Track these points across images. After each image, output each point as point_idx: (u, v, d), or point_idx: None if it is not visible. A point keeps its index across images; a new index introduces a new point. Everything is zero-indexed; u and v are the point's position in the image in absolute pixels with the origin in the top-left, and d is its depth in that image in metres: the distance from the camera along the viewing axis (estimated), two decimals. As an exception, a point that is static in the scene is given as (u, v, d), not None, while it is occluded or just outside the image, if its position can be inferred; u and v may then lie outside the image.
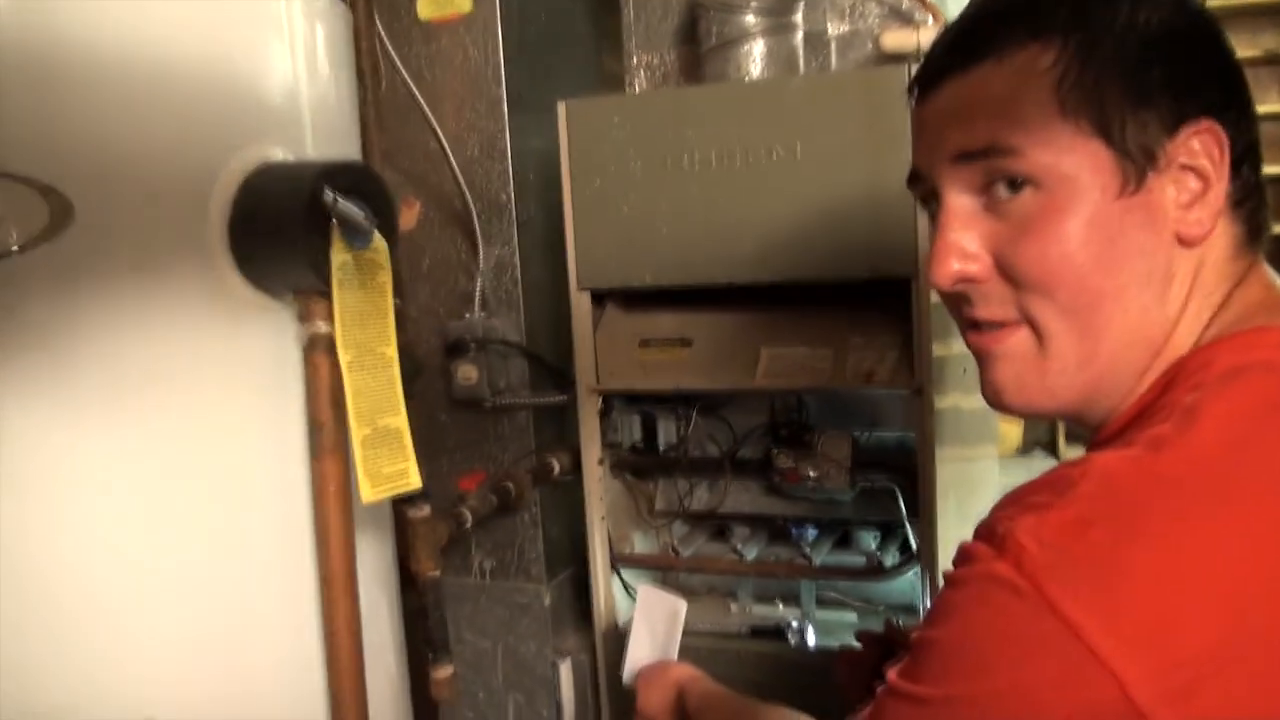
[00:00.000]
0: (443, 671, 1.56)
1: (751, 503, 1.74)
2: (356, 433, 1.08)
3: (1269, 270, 0.76)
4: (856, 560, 1.70)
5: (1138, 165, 0.70)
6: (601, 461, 1.71)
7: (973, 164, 0.73)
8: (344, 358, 1.08)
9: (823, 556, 1.69)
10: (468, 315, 1.82)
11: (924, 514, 1.49)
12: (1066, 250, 0.70)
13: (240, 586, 1.09)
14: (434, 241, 1.86)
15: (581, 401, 1.68)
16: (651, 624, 1.43)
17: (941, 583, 0.68)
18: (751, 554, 1.72)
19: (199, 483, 1.05)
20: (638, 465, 1.80)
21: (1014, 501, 0.64)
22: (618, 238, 1.58)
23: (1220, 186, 0.70)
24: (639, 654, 1.43)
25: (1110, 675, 0.56)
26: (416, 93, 1.67)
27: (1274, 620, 0.57)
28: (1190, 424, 0.64)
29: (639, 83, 1.85)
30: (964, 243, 0.73)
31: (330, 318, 1.07)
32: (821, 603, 1.75)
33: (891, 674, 0.66)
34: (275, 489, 1.11)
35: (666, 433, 1.81)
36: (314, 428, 1.10)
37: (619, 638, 1.72)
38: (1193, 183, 0.71)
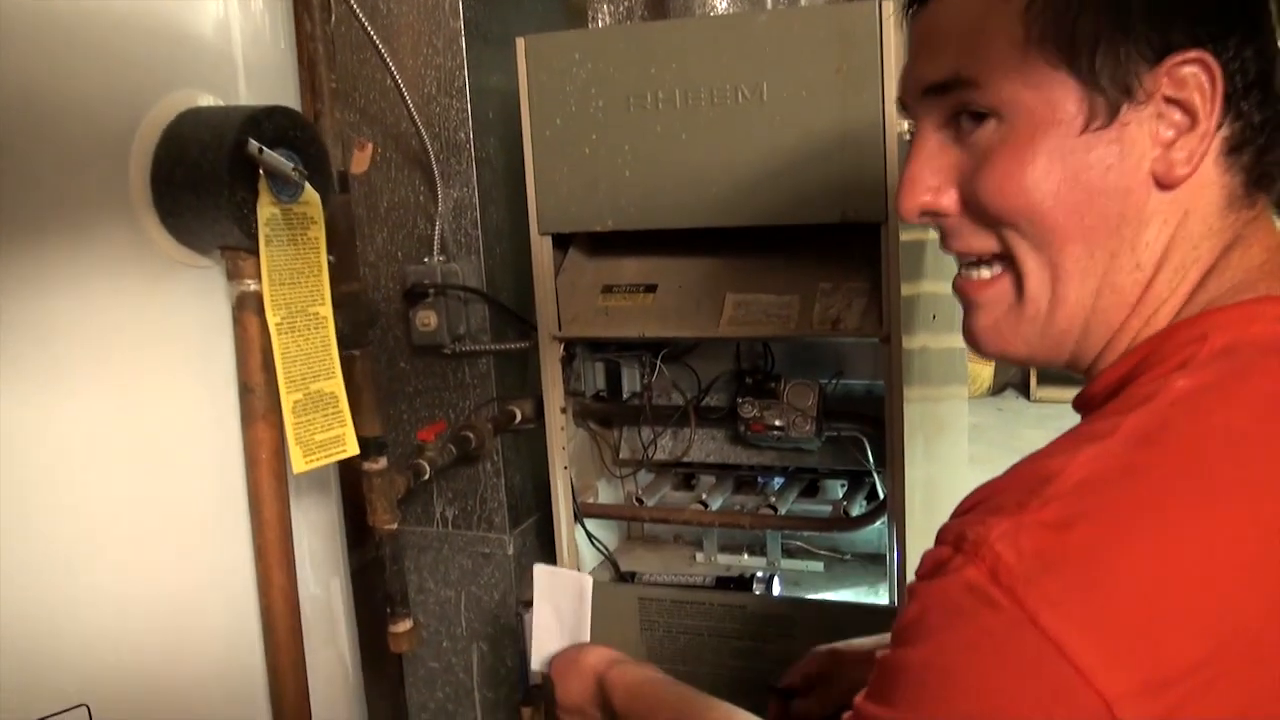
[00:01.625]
0: (401, 625, 1.54)
1: (717, 452, 1.72)
2: (287, 398, 1.03)
3: None
4: (823, 510, 1.68)
5: (1109, 98, 0.65)
6: (564, 410, 1.67)
7: (941, 97, 0.70)
8: (273, 319, 1.02)
9: (789, 506, 1.67)
10: (427, 259, 1.76)
11: (892, 463, 1.46)
12: (1024, 184, 0.66)
13: (173, 557, 1.05)
14: (391, 183, 1.79)
15: (543, 348, 1.64)
16: (556, 605, 1.30)
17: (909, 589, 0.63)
18: (717, 503, 1.70)
19: (126, 449, 1.01)
20: (601, 413, 1.76)
21: (981, 502, 0.59)
22: (580, 180, 1.53)
23: (1209, 124, 0.65)
24: (547, 640, 1.29)
25: (1095, 694, 0.51)
26: (368, 26, 1.59)
27: (1265, 632, 0.53)
28: (1179, 414, 0.59)
29: (602, 16, 1.78)
30: (927, 175, 0.72)
31: (259, 275, 1.02)
32: (788, 552, 1.73)
33: (859, 698, 0.61)
34: (208, 455, 1.07)
35: (630, 380, 1.77)
36: (244, 392, 1.05)
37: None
38: (1178, 118, 0.65)
